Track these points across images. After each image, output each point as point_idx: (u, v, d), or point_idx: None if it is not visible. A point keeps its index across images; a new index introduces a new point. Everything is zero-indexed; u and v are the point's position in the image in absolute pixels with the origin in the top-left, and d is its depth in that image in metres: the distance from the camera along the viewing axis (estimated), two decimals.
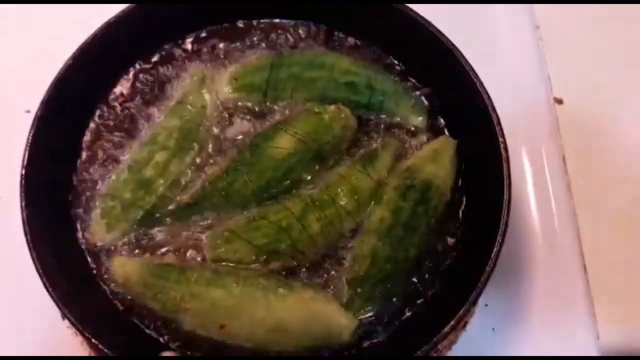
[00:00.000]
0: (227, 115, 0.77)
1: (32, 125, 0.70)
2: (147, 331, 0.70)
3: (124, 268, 0.70)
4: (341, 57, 0.79)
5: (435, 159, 0.75)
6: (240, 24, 0.82)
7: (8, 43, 0.91)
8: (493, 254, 0.66)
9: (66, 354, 0.74)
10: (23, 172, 0.68)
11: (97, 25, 0.73)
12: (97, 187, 0.75)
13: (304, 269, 0.72)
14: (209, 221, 0.73)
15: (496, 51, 0.93)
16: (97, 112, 0.78)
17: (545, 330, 0.80)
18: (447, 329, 0.63)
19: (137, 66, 0.80)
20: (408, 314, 0.72)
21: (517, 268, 0.83)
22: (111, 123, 0.78)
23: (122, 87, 0.79)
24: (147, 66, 0.80)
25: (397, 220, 0.72)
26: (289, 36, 0.82)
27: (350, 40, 0.82)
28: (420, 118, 0.78)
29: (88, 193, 0.75)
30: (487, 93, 0.72)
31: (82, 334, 0.64)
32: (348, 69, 0.78)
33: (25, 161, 0.69)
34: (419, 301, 0.73)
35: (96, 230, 0.73)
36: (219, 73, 0.79)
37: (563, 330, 0.80)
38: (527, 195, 0.86)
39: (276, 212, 0.72)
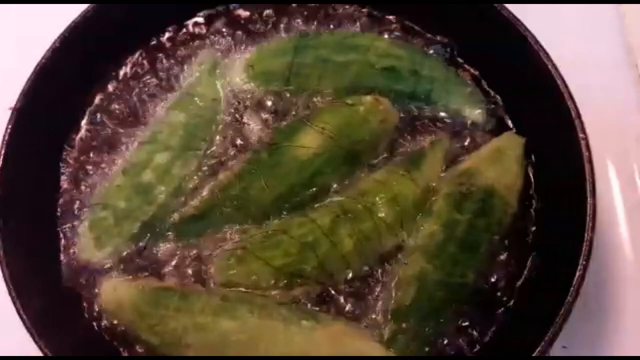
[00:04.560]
0: (241, 109, 0.75)
1: (10, 119, 0.67)
2: None
3: (115, 292, 0.67)
4: (378, 38, 0.76)
5: (497, 160, 0.71)
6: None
7: None
8: (574, 281, 0.60)
9: None
10: None
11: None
12: (86, 195, 0.72)
13: (334, 297, 0.68)
14: (219, 236, 0.70)
15: (568, 25, 0.87)
16: (89, 106, 0.76)
17: None
18: None
19: (137, 52, 0.78)
20: (466, 354, 0.66)
21: (603, 298, 0.76)
22: (104, 119, 0.76)
23: (118, 77, 0.78)
24: (149, 52, 0.78)
25: (450, 237, 0.68)
26: (316, 17, 0.79)
27: (390, 18, 0.79)
28: (478, 111, 0.75)
29: (75, 202, 0.73)
30: (561, 77, 0.67)
31: None
32: (387, 51, 0.75)
33: (0, 162, 0.66)
34: (478, 340, 0.67)
35: (84, 246, 0.70)
36: (233, 59, 0.77)
37: None
38: (611, 202, 0.80)
39: (300, 225, 0.68)
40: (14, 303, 0.61)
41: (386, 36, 0.78)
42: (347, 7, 0.79)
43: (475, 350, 0.67)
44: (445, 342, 0.66)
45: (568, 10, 0.89)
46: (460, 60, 0.77)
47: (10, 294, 0.62)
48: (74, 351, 0.63)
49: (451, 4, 0.74)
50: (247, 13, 0.80)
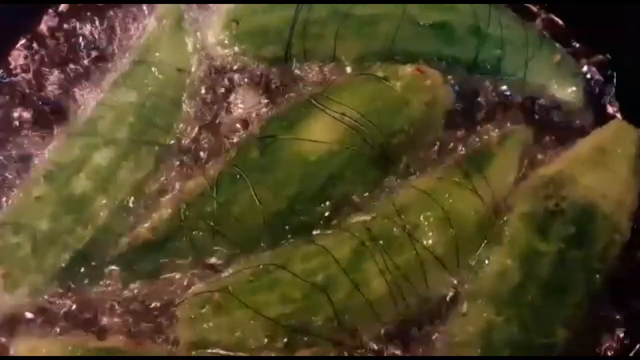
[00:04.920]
0: (221, 85, 0.69)
1: None
2: None
3: (34, 355, 0.60)
4: None
5: (601, 163, 0.64)
6: None
7: None
8: None
9: None
10: None
11: None
12: None
13: None
14: (186, 273, 0.63)
15: None
16: None
17: None
18: None
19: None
20: None
21: None
22: (15, 98, 0.69)
23: (35, 36, 0.71)
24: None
25: (531, 276, 0.60)
26: None
27: None
28: (572, 88, 0.68)
29: None
30: None
31: None
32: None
33: None
34: None
35: None
36: (208, 12, 0.71)
37: None
38: None
39: (306, 256, 0.61)
40: None
41: None
42: None
43: None
44: None
45: None
46: (549, 13, 0.72)
47: None
48: None
49: None
50: None
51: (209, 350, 0.60)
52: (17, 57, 0.71)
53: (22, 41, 0.71)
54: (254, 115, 0.68)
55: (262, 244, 0.63)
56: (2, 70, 0.70)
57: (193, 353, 0.61)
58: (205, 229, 0.63)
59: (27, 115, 0.69)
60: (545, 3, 0.73)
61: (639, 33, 0.65)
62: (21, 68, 0.71)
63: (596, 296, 0.62)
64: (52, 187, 0.63)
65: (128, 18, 0.72)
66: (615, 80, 0.70)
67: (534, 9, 0.72)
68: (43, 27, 0.71)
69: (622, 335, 0.63)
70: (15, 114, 0.69)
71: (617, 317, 0.63)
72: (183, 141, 0.67)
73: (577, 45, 0.71)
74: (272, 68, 0.69)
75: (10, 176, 0.66)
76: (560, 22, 0.72)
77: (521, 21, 0.70)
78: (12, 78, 0.70)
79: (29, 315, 0.62)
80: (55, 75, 0.70)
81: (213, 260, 0.63)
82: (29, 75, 0.70)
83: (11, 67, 0.70)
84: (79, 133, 0.65)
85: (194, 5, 0.73)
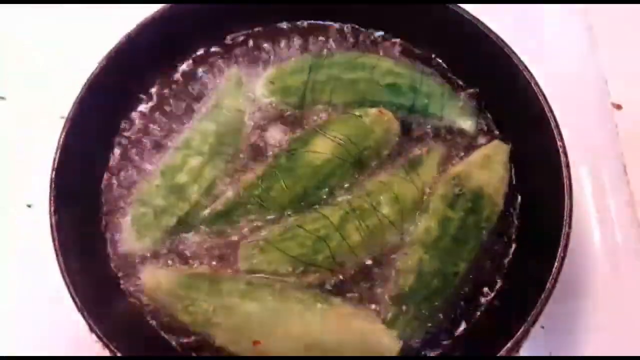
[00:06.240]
0: (263, 119, 0.75)
1: (64, 127, 0.68)
2: (176, 347, 0.67)
3: (153, 278, 0.68)
4: (383, 58, 0.77)
5: (486, 165, 0.71)
6: (281, 25, 0.80)
7: (43, 45, 0.89)
8: (554, 269, 0.61)
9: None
10: (53, 176, 0.66)
11: (132, 26, 0.72)
12: (128, 194, 0.73)
13: (343, 283, 0.68)
14: (243, 230, 0.70)
15: (547, 53, 0.88)
16: (130, 116, 0.76)
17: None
18: (502, 352, 0.59)
19: (172, 69, 0.78)
20: (457, 333, 0.67)
21: (578, 289, 0.77)
22: (144, 127, 0.76)
23: (155, 90, 0.77)
24: (183, 69, 0.78)
25: (445, 232, 0.69)
26: (328, 39, 0.79)
27: (393, 41, 0.79)
28: (469, 122, 0.75)
29: (118, 199, 0.73)
30: (543, 94, 0.68)
31: (108, 348, 0.61)
32: (390, 70, 0.75)
33: (56, 165, 0.67)
34: (469, 321, 0.68)
35: (126, 238, 0.70)
36: (256, 76, 0.77)
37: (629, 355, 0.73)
38: (586, 210, 0.81)
39: (313, 220, 0.68)
40: (68, 288, 0.62)
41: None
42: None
43: (462, 329, 0.67)
44: (440, 319, 0.67)
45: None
46: (455, 78, 0.77)
47: (65, 281, 0.62)
48: (117, 330, 0.63)
49: (446, 30, 0.72)
50: (271, 37, 0.79)
51: (257, 275, 0.66)
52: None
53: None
54: (283, 138, 0.73)
55: (287, 214, 0.69)
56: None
57: (248, 276, 0.66)
58: (255, 204, 0.69)
59: (150, 135, 0.75)
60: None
61: (507, 81, 0.69)
62: (152, 102, 0.76)
63: (483, 244, 0.69)
64: (165, 179, 0.71)
65: (208, 81, 0.77)
66: (492, 113, 0.75)
67: (452, 76, 0.76)
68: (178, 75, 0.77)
69: (496, 264, 0.70)
70: (144, 134, 0.75)
71: (494, 256, 0.70)
72: (241, 153, 0.73)
73: (470, 92, 0.76)
74: (293, 111, 0.75)
75: (140, 173, 0.73)
76: (460, 82, 0.77)
77: (440, 82, 0.75)
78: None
79: (151, 255, 0.69)
80: (166, 111, 0.75)
81: (259, 223, 0.69)
82: (150, 109, 0.76)
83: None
84: (180, 147, 0.73)
85: (249, 71, 0.76)
